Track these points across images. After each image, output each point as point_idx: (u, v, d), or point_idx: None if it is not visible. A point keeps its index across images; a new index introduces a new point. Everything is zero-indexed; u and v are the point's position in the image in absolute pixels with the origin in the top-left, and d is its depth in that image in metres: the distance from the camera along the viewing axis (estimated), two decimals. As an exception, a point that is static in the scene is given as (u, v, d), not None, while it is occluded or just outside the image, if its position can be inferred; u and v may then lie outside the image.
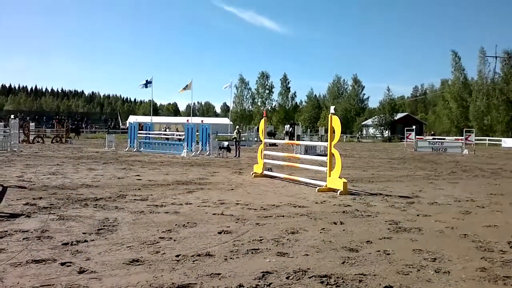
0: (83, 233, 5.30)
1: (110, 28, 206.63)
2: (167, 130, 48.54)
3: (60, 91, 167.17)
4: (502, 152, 34.64)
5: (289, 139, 33.46)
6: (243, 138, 41.53)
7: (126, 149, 25.26)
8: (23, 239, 4.97)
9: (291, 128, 40.28)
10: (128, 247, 4.74)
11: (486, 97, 65.03)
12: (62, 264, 4.10)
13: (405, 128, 39.25)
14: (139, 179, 11.32)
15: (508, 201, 8.81)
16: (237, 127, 28.45)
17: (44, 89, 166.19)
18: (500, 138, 55.25)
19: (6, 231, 5.29)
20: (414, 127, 37.00)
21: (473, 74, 77.07)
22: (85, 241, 4.94)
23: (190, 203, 7.72)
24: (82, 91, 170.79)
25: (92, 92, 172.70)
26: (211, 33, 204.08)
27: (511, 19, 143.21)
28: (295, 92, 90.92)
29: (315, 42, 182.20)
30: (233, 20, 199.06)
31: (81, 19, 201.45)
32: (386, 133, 76.20)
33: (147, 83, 45.68)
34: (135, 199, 8.01)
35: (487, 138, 56.88)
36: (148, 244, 4.87)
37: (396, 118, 79.29)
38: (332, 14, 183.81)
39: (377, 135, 77.66)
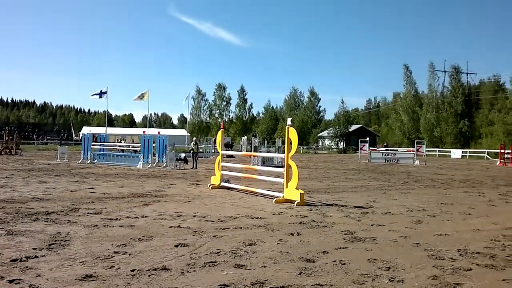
0: (34, 249, 5.10)
1: (64, 37, 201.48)
2: (123, 141, 47.67)
3: (10, 100, 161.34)
4: (451, 163, 35.96)
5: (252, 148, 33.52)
6: (201, 150, 41.33)
7: (80, 161, 24.60)
8: (-32, 256, 4.73)
9: (252, 138, 40.51)
10: (81, 262, 4.60)
11: (436, 110, 67.54)
12: (11, 281, 3.93)
13: (360, 140, 40.19)
14: (93, 192, 11.03)
15: (457, 210, 9.14)
16: (194, 138, 28.28)
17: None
18: (449, 150, 57.41)
19: (-50, 248, 5.03)
20: (368, 138, 37.92)
21: (423, 87, 80.00)
22: (36, 256, 4.76)
23: (146, 216, 7.59)
24: (34, 101, 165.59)
25: (44, 102, 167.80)
26: (169, 44, 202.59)
27: (458, 35, 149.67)
28: (251, 104, 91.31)
29: (272, 54, 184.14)
30: (191, 31, 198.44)
31: (34, 26, 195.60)
32: (341, 145, 77.70)
33: (101, 93, 44.74)
34: (88, 213, 7.79)
35: (437, 149, 59.04)
36: (102, 259, 4.74)
37: (350, 130, 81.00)
38: (289, 27, 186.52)
39: (332, 147, 79.04)
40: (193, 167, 21.73)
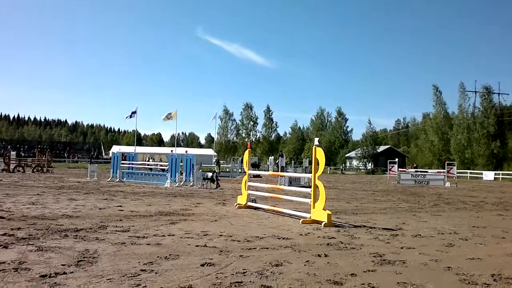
0: (62, 265, 5.16)
1: (95, 58, 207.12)
2: (151, 160, 48.25)
3: (43, 120, 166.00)
4: (483, 185, 35.06)
5: (279, 169, 33.41)
6: (227, 169, 41.43)
7: (109, 179, 24.98)
8: (0, 270, 4.82)
9: (279, 158, 40.41)
10: (108, 279, 4.63)
11: (466, 131, 66.25)
12: (39, 297, 3.97)
13: (388, 161, 39.59)
14: (121, 210, 11.15)
15: (490, 234, 8.87)
16: (215, 158, 28.33)
17: (26, 118, 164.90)
18: (481, 171, 56.04)
19: (-18, 262, 5.13)
20: (396, 159, 37.33)
21: (454, 108, 78.72)
22: (64, 273, 4.81)
23: (172, 235, 7.61)
24: (66, 120, 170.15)
25: (76, 122, 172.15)
26: (196, 64, 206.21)
27: (490, 55, 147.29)
28: (276, 123, 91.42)
29: (299, 75, 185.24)
30: (219, 52, 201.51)
31: (66, 48, 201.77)
32: (370, 166, 76.78)
33: (132, 114, 45.65)
34: (116, 230, 7.87)
35: (469, 171, 57.66)
36: (129, 277, 4.76)
37: (379, 150, 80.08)
38: (316, 48, 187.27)
39: (360, 167, 78.18)
40: (216, 187, 21.68)
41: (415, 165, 58.36)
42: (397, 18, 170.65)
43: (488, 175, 51.82)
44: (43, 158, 37.26)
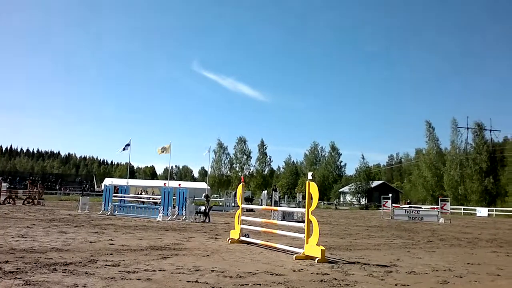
0: (50, 300, 5.04)
1: (88, 89, 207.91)
2: (144, 193, 47.92)
3: (35, 151, 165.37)
4: (477, 221, 34.99)
5: (272, 203, 33.31)
6: (220, 203, 41.17)
7: (100, 212, 24.71)
8: (-15, 306, 4.69)
9: (273, 192, 40.41)
10: (96, 316, 4.51)
11: (459, 167, 66.60)
12: (25, 334, 3.86)
13: (382, 196, 39.60)
14: (112, 244, 10.99)
15: (485, 271, 8.78)
16: (204, 193, 28.15)
17: (19, 149, 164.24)
18: (475, 208, 56.07)
19: (-33, 297, 5.01)
20: (390, 195, 37.34)
21: (446, 144, 79.36)
22: (51, 309, 4.69)
23: (163, 270, 7.48)
24: (58, 152, 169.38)
25: (68, 153, 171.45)
26: (191, 98, 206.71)
27: (480, 91, 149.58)
28: (270, 157, 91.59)
29: (293, 109, 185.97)
30: (213, 86, 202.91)
31: (58, 78, 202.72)
32: (363, 201, 76.69)
33: (126, 146, 45.58)
34: (106, 265, 7.72)
35: (462, 207, 57.69)
36: (118, 313, 4.64)
37: (372, 185, 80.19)
38: (309, 82, 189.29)
39: (354, 203, 78.06)
40: (205, 221, 21.37)
41: (408, 201, 58.42)
42: (391, 53, 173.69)
43: (482, 212, 51.81)
44: (34, 190, 36.98)
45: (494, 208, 53.21)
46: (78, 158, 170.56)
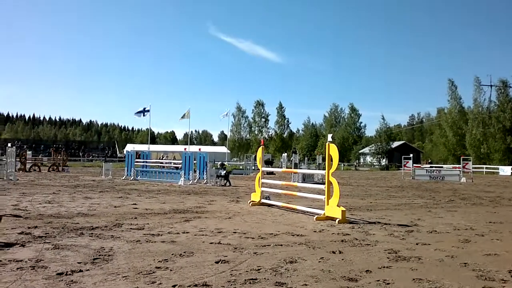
0: (78, 263, 5.21)
1: (109, 57, 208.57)
2: (165, 158, 48.46)
3: (58, 119, 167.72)
4: (499, 180, 34.63)
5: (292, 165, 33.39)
6: (241, 167, 41.50)
7: (123, 178, 25.17)
8: (17, 269, 4.88)
9: (293, 155, 40.44)
10: (124, 277, 4.66)
11: (482, 126, 65.47)
12: (56, 294, 4.02)
13: (403, 156, 39.31)
14: (136, 208, 11.23)
15: (507, 229, 8.75)
16: (219, 163, 28.11)
17: (42, 118, 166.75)
18: (498, 166, 55.38)
19: (0, 260, 5.20)
20: (411, 155, 37.05)
21: (469, 102, 77.93)
22: (80, 270, 4.86)
23: (187, 232, 7.64)
24: (80, 119, 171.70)
25: (90, 121, 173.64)
26: (209, 62, 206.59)
27: (505, 48, 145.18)
28: (288, 120, 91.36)
29: (311, 71, 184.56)
30: (230, 49, 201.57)
31: (79, 48, 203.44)
32: (384, 161, 76.32)
33: (144, 111, 45.80)
34: (131, 228, 7.92)
35: (485, 166, 57.00)
36: (144, 274, 4.78)
37: (393, 146, 79.58)
38: (328, 44, 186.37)
39: (374, 163, 77.74)
40: (225, 184, 21.52)
41: (429, 161, 57.93)
42: (411, 15, 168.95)
43: (505, 170, 51.16)
44: (59, 157, 37.67)
45: (517, 167, 52.47)
46: (99, 125, 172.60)
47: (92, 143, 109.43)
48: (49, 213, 9.71)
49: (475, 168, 44.17)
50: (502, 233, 8.29)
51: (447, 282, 4.70)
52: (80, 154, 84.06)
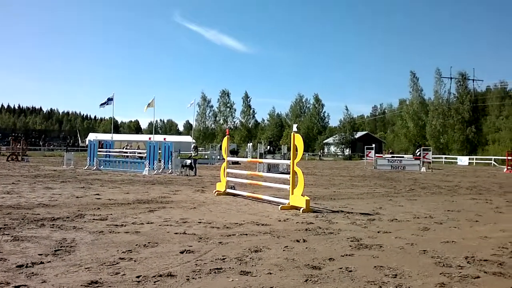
0: (39, 255, 5.10)
1: (69, 44, 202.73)
2: (129, 147, 47.74)
3: (17, 107, 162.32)
4: (457, 170, 35.78)
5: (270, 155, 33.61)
6: (206, 156, 41.34)
7: (86, 168, 24.68)
8: (-26, 261, 4.73)
9: (269, 147, 40.64)
10: (86, 268, 4.59)
11: (442, 117, 67.28)
12: (16, 287, 3.93)
13: (365, 147, 40.07)
14: (99, 198, 11.05)
15: (464, 218, 9.08)
16: (193, 144, 28.16)
17: (0, 105, 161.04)
18: (456, 156, 57.16)
19: (-44, 253, 5.04)
20: (373, 145, 37.85)
21: (430, 94, 79.85)
22: (41, 262, 4.76)
23: (151, 223, 7.58)
24: (40, 107, 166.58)
25: (51, 109, 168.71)
26: (174, 51, 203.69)
27: (464, 41, 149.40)
28: (254, 110, 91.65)
29: (277, 61, 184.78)
30: (197, 38, 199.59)
31: (39, 34, 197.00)
32: (347, 151, 77.52)
33: (108, 100, 44.84)
34: (94, 219, 7.80)
35: (444, 156, 58.73)
36: (107, 265, 4.73)
37: (356, 136, 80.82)
38: (294, 33, 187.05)
39: (338, 153, 78.85)
40: (194, 174, 21.51)
41: (391, 151, 59.16)
42: (375, 5, 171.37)
43: (463, 160, 52.88)
44: (18, 146, 36.56)
45: (475, 157, 54.29)
46: (60, 113, 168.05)
47: (53, 132, 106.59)
48: (8, 204, 9.44)
49: (434, 158, 45.44)
50: (459, 221, 8.59)
51: (407, 269, 4.85)
52: (41, 143, 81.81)
